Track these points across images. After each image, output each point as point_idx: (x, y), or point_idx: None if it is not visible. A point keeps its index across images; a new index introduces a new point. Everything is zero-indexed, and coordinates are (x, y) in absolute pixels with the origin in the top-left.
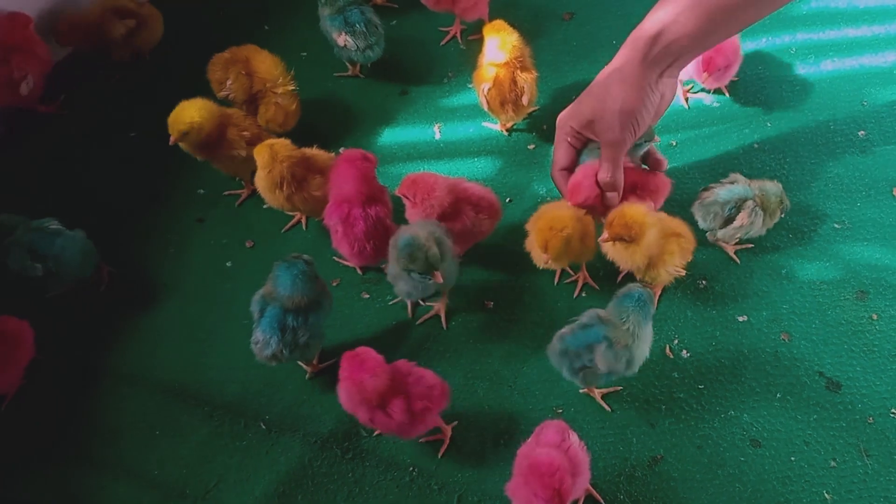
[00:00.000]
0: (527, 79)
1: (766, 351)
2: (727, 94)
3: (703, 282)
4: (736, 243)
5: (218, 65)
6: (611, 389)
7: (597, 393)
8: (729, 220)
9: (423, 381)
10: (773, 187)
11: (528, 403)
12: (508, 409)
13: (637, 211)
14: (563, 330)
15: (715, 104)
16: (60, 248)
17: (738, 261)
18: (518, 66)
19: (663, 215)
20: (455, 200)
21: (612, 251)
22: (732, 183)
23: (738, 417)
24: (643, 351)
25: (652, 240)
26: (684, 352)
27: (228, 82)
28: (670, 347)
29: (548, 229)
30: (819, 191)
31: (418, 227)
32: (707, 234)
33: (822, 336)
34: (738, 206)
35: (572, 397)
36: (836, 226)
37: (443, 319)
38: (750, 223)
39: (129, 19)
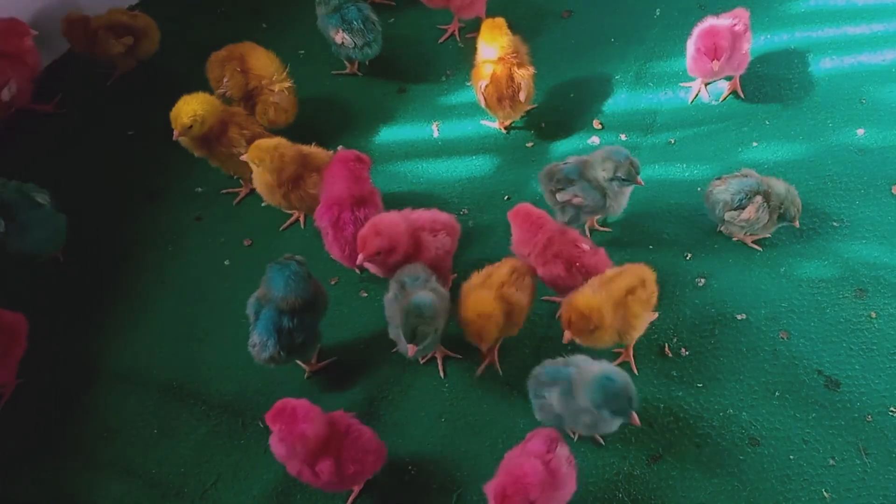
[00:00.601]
0: (524, 75)
1: (765, 349)
2: (742, 95)
3: (702, 280)
4: (749, 237)
5: (215, 63)
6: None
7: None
8: (736, 209)
9: (358, 444)
10: (780, 188)
11: (527, 403)
12: (507, 408)
13: (586, 298)
14: (551, 360)
15: (713, 102)
16: (31, 219)
17: (759, 249)
18: (515, 62)
19: (609, 274)
20: (413, 235)
21: (582, 341)
22: (745, 177)
23: (737, 416)
24: (606, 427)
25: (611, 318)
26: (683, 350)
27: (225, 80)
28: (669, 346)
29: (475, 316)
30: (818, 189)
31: (428, 284)
32: (717, 225)
33: (821, 334)
34: (749, 196)
35: None
36: (834, 224)
37: (440, 367)
38: (756, 218)
39: (126, 37)
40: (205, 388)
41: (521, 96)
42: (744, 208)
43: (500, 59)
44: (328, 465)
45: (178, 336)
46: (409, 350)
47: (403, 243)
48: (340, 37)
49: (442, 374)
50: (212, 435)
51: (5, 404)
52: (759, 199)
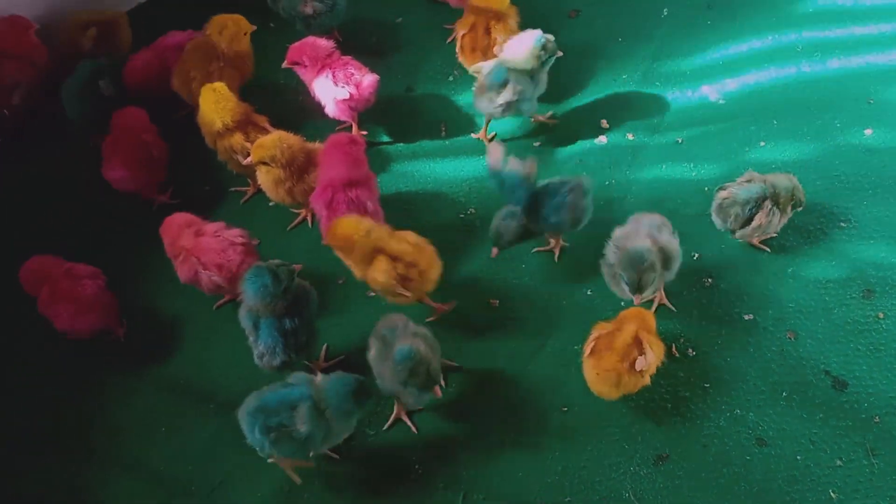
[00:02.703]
0: (501, 30)
1: (772, 350)
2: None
3: (709, 280)
4: (757, 238)
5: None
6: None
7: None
8: (748, 221)
9: None
10: (784, 181)
11: (533, 401)
12: (513, 407)
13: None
14: (262, 389)
15: (721, 101)
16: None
17: (767, 249)
18: (493, 17)
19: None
20: (181, 245)
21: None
22: (749, 181)
23: (744, 416)
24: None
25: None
26: (690, 350)
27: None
28: (676, 346)
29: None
30: (825, 189)
31: (407, 330)
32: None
33: (828, 335)
34: (758, 204)
35: (577, 396)
36: (842, 224)
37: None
38: (768, 222)
39: (90, 28)
40: (213, 386)
41: (496, 51)
42: (752, 219)
43: (480, 9)
44: None
45: (185, 334)
46: (436, 392)
47: (167, 243)
48: (311, 7)
49: (414, 429)
50: (220, 433)
51: (13, 401)
52: (767, 203)
